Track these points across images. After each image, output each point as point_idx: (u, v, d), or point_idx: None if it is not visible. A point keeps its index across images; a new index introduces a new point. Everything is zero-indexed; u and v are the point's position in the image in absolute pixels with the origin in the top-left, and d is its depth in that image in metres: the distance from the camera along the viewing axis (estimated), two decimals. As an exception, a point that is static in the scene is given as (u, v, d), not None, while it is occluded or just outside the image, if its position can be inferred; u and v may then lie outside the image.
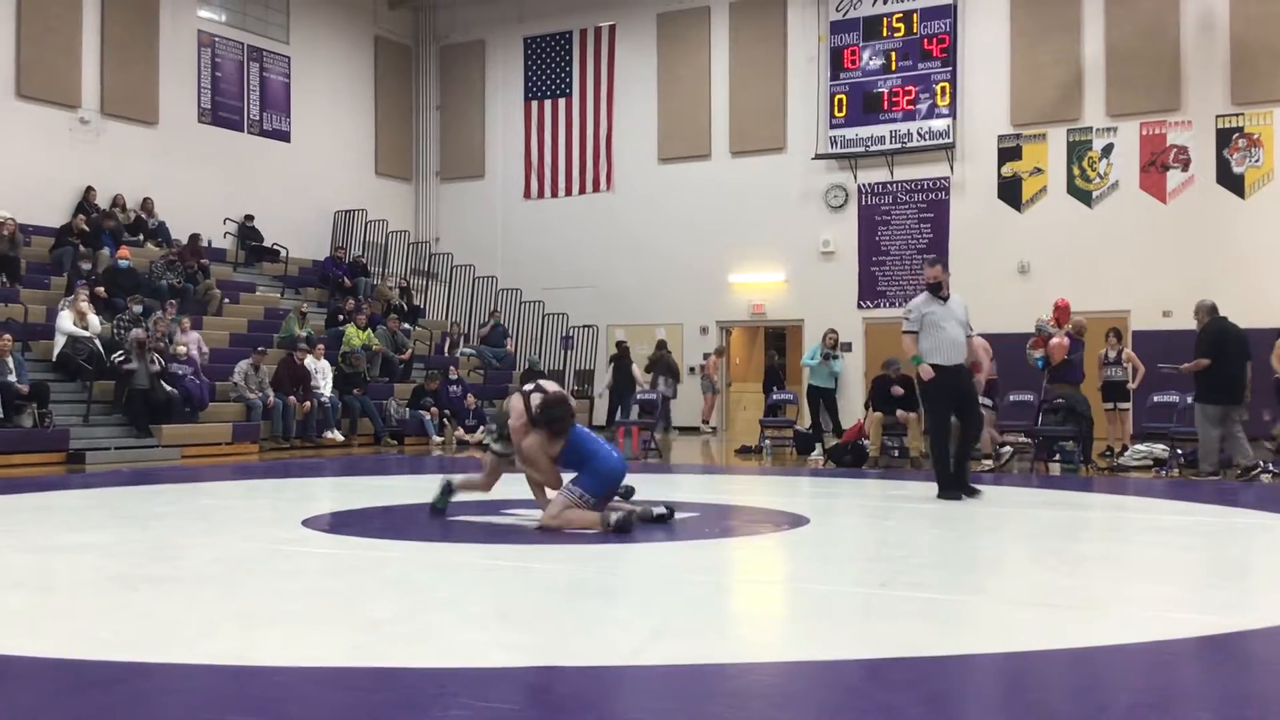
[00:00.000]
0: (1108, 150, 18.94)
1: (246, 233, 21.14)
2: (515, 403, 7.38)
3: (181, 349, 15.55)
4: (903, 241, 20.37)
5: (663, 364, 20.00)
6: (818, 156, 20.84)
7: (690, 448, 17.84)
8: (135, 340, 14.68)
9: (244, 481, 11.23)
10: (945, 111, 19.82)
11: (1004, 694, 3.63)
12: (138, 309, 16.01)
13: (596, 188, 23.04)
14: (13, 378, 13.35)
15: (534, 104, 23.69)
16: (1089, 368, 13.85)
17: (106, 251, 17.60)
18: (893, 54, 20.22)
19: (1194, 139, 18.34)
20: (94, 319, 15.07)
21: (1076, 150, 19.15)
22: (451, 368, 19.25)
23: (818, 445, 14.52)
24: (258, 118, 21.81)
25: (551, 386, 7.44)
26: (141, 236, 19.23)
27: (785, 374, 21.77)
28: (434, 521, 7.54)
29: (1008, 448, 13.08)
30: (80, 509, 8.90)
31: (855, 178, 20.75)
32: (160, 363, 14.84)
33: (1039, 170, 19.42)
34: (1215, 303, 11.92)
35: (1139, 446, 13.19)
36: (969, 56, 19.84)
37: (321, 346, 17.50)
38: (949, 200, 20.04)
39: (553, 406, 7.16)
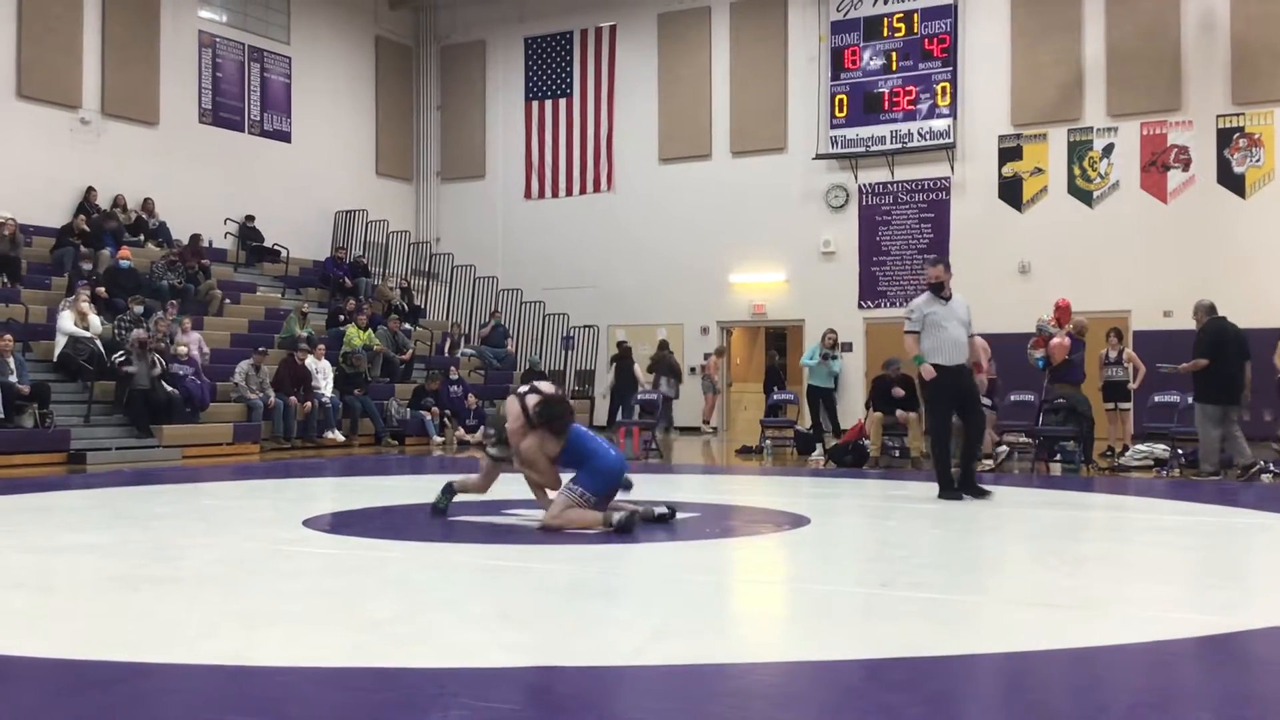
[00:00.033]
0: (1108, 150, 18.93)
1: (247, 233, 21.15)
2: (511, 406, 7.39)
3: (182, 349, 15.56)
4: (903, 241, 20.37)
5: (665, 364, 20.01)
6: (818, 156, 20.84)
7: (691, 448, 17.84)
8: (136, 340, 14.69)
9: (245, 482, 11.24)
10: (946, 111, 19.82)
11: (1004, 694, 3.63)
12: (139, 309, 16.01)
13: (597, 188, 23.04)
14: (14, 378, 13.35)
15: (535, 104, 23.69)
16: (1090, 368, 13.85)
17: (107, 252, 17.60)
18: (893, 54, 20.23)
19: (1195, 139, 18.34)
20: (95, 319, 15.08)
21: (1077, 150, 19.15)
22: (452, 368, 19.26)
23: (818, 445, 14.52)
24: (258, 118, 21.82)
25: (547, 387, 7.45)
26: (142, 237, 19.23)
27: (786, 374, 21.78)
28: (435, 522, 7.54)
29: (1003, 447, 13.08)
30: (81, 509, 8.90)
31: (856, 178, 20.75)
32: (161, 363, 14.84)
33: (1040, 170, 19.42)
34: (1214, 302, 11.93)
35: (1140, 446, 13.19)
36: (969, 56, 19.84)
37: (322, 347, 17.50)
38: (949, 200, 20.04)
39: (551, 405, 7.16)
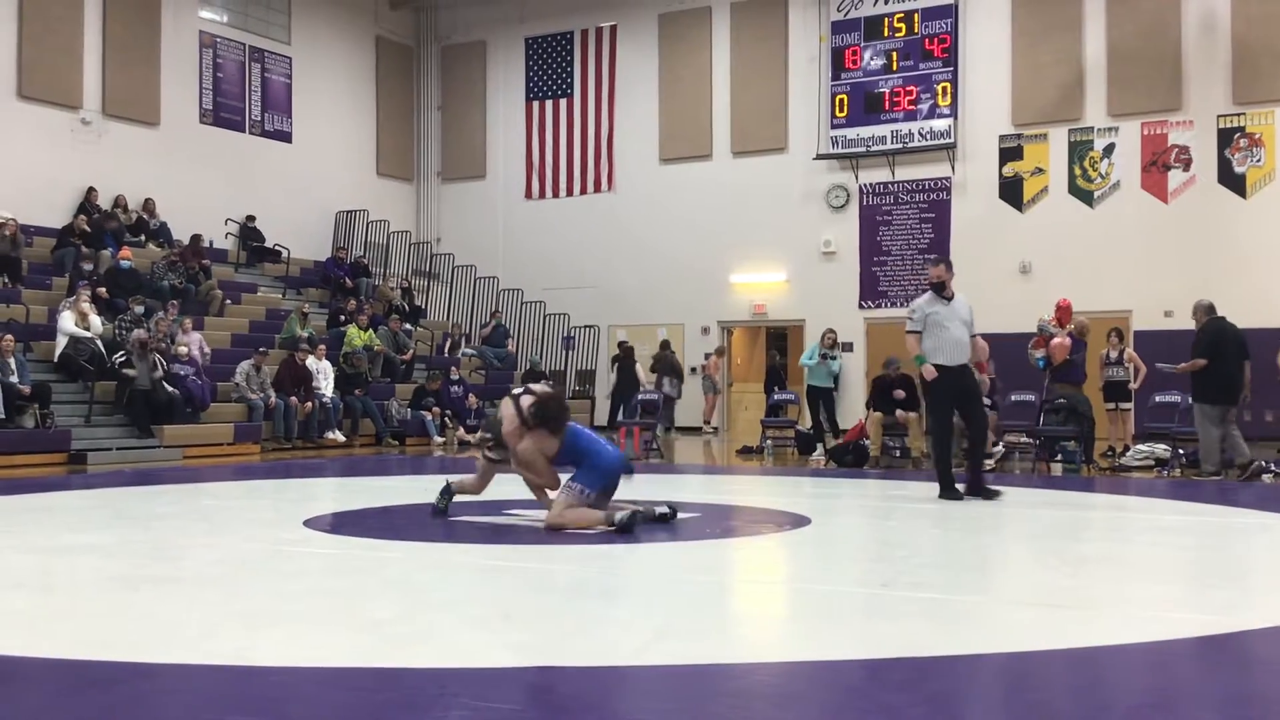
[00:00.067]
0: (1109, 150, 18.93)
1: (248, 233, 21.15)
2: (506, 408, 7.39)
3: (183, 349, 15.56)
4: (904, 241, 20.37)
5: (667, 364, 20.03)
6: (819, 157, 20.84)
7: (692, 448, 17.84)
8: (137, 341, 14.69)
9: (245, 482, 11.24)
10: (946, 111, 19.82)
11: (1005, 694, 3.63)
12: (139, 310, 16.01)
13: (598, 188, 23.04)
14: (14, 378, 13.36)
15: (535, 104, 23.69)
16: (1090, 368, 13.85)
17: (108, 252, 17.61)
18: (894, 54, 20.22)
19: (1195, 139, 18.33)
20: (95, 320, 15.08)
21: (1078, 150, 19.15)
22: (453, 368, 19.26)
23: (819, 445, 14.52)
24: (259, 118, 21.82)
25: (540, 388, 7.46)
26: (143, 237, 19.24)
27: (786, 374, 21.77)
28: (435, 522, 7.54)
29: (1000, 447, 13.08)
30: (82, 510, 8.90)
31: (856, 178, 20.75)
32: (162, 363, 14.85)
33: (1040, 170, 19.41)
34: (1212, 302, 11.93)
35: (1140, 446, 13.18)
36: (970, 56, 19.84)
37: (323, 347, 17.51)
38: (950, 200, 20.04)
39: (546, 405, 7.17)
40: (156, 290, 17.22)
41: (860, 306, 20.63)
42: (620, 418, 17.85)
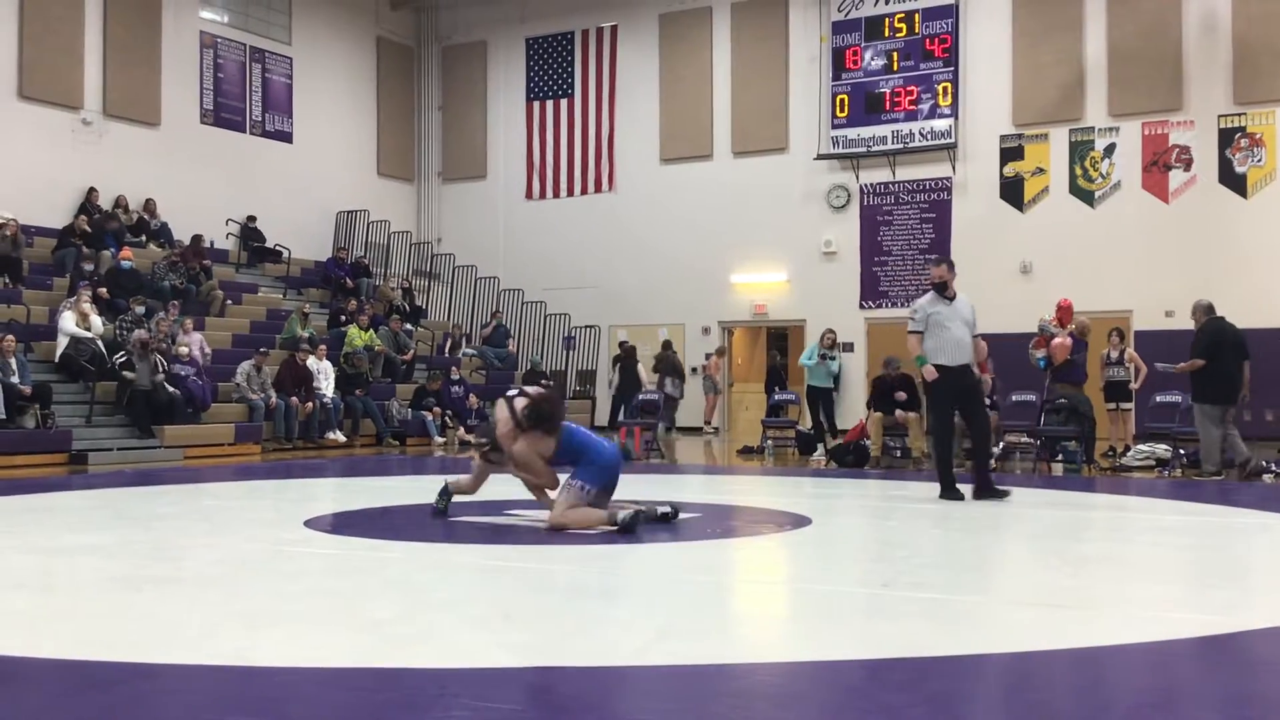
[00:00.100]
0: (1110, 150, 18.93)
1: (249, 233, 21.16)
2: (500, 410, 7.39)
3: (184, 350, 15.57)
4: (905, 242, 20.37)
5: (668, 364, 20.03)
6: (820, 157, 20.84)
7: (692, 448, 17.84)
8: (138, 341, 14.70)
9: (246, 482, 11.24)
10: (947, 111, 19.82)
11: (1006, 694, 3.63)
12: (140, 310, 16.02)
13: (599, 188, 23.05)
14: (15, 379, 13.36)
15: (536, 104, 23.70)
16: (1091, 368, 13.85)
17: (109, 252, 17.62)
18: (894, 54, 20.23)
19: (1196, 139, 18.33)
20: (96, 320, 15.09)
21: (1078, 150, 19.14)
22: (454, 368, 19.26)
23: (820, 445, 14.52)
24: (260, 119, 21.83)
25: (534, 390, 7.46)
26: (144, 237, 19.25)
27: (787, 374, 21.77)
28: (435, 522, 7.54)
29: (997, 446, 13.07)
30: (82, 510, 8.90)
31: (857, 178, 20.75)
32: (163, 364, 14.85)
33: (1041, 170, 19.41)
34: (1212, 302, 11.92)
35: (1141, 446, 13.18)
36: (971, 56, 19.84)
37: (324, 347, 17.51)
38: (951, 200, 20.04)
39: (540, 406, 7.17)
40: (157, 290, 17.22)
41: (861, 307, 20.63)
42: (621, 418, 17.86)
